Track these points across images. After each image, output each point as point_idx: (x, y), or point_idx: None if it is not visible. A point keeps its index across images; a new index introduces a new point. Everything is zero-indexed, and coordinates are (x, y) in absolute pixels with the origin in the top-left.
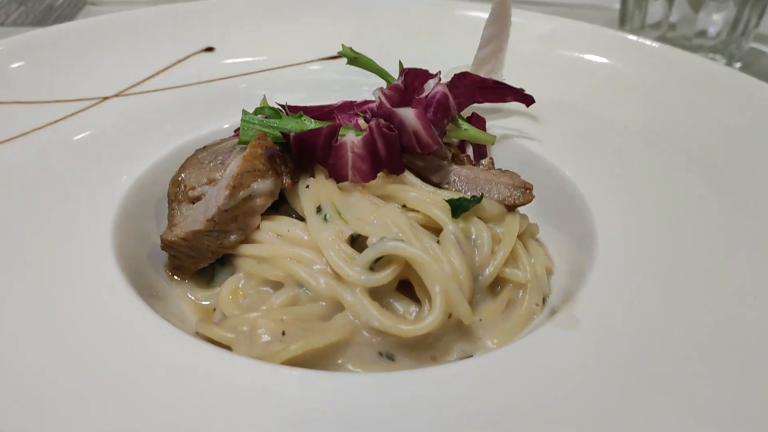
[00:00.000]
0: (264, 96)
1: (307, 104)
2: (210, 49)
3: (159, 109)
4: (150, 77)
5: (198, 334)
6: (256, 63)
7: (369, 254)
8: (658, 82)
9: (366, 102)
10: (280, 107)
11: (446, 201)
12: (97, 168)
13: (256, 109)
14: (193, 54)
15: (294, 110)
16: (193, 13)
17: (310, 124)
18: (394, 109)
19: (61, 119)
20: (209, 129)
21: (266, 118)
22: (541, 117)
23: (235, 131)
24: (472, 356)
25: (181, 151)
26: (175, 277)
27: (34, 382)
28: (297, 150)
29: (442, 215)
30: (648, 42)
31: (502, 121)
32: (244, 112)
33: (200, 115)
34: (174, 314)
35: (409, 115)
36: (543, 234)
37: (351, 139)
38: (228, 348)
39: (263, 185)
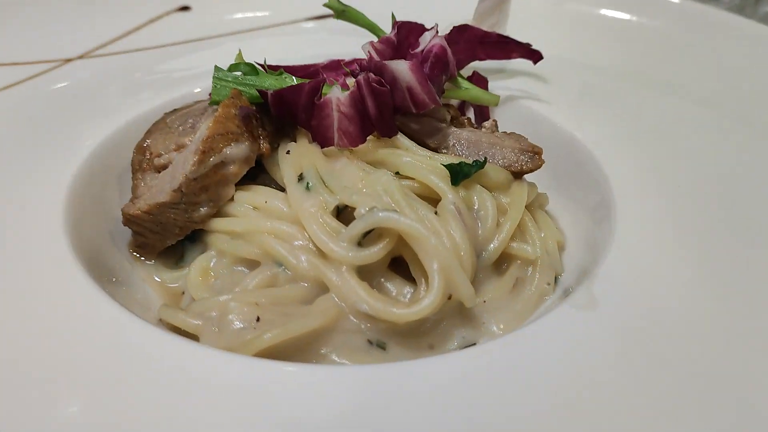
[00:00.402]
0: (240, 51)
1: None
2: (185, 8)
3: (127, 72)
4: (118, 38)
5: (161, 322)
6: (235, 23)
7: (357, 227)
8: (677, 37)
9: (356, 60)
10: (258, 65)
11: (445, 166)
12: (54, 134)
13: (231, 65)
14: (167, 14)
15: (274, 68)
16: None
17: (291, 81)
18: (386, 62)
19: (19, 82)
20: (181, 93)
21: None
22: (550, 76)
23: (210, 94)
24: (475, 344)
25: (149, 117)
26: (140, 256)
27: None
28: (276, 111)
29: (440, 182)
30: None
31: (506, 82)
32: (217, 68)
33: (172, 80)
34: (136, 300)
35: (402, 68)
36: (553, 205)
37: (336, 95)
38: (195, 338)
39: (237, 150)
